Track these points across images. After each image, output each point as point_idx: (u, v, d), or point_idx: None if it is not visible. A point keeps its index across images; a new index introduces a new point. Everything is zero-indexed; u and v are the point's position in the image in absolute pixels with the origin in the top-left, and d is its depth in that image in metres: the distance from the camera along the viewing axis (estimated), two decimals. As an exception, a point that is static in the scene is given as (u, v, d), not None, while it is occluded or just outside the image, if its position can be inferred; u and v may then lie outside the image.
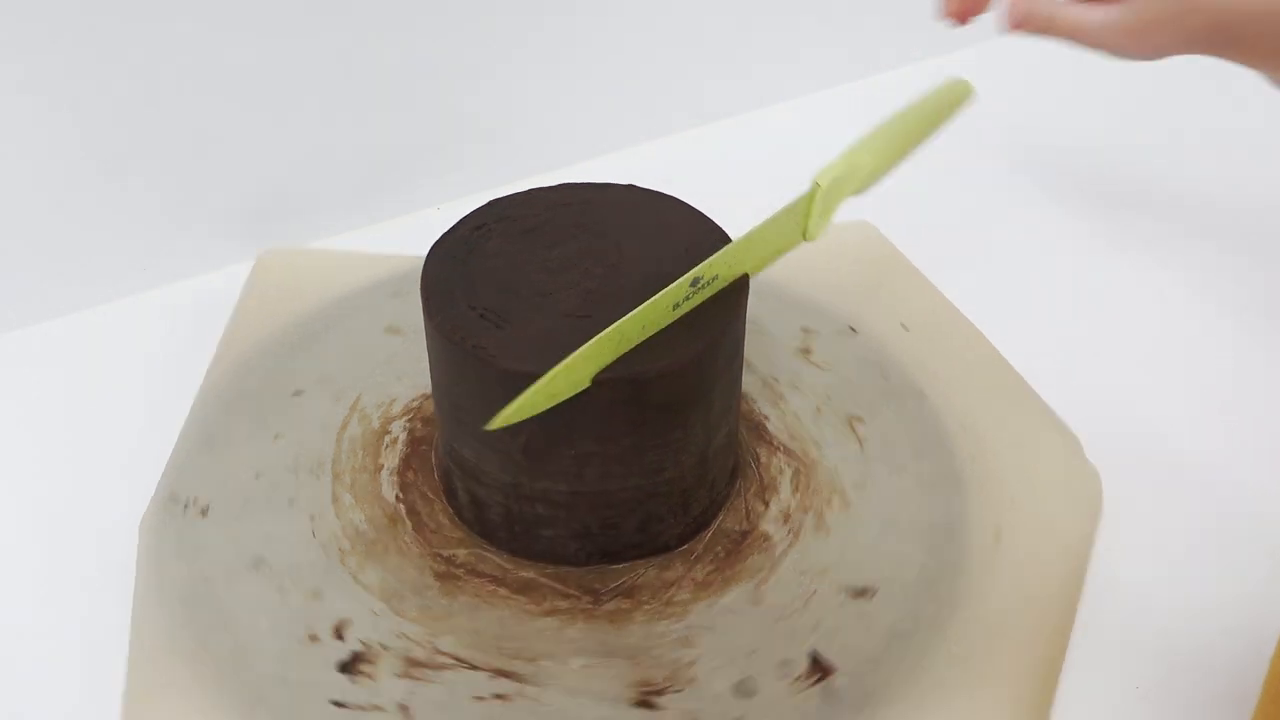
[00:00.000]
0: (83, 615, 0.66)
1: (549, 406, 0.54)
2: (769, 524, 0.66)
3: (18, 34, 0.74)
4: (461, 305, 0.59)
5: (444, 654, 0.59)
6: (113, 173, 0.82)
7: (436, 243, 0.63)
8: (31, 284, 0.84)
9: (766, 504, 0.67)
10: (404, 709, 0.57)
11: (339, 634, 0.61)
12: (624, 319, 0.53)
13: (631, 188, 0.66)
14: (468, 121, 0.94)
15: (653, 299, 0.54)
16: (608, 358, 0.54)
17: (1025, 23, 0.66)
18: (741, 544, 0.65)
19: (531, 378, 0.53)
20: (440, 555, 0.64)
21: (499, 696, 0.58)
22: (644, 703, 0.58)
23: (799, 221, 0.55)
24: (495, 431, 0.54)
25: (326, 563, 0.64)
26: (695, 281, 0.55)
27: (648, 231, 0.63)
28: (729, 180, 0.96)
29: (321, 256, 0.86)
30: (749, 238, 0.56)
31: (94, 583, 0.68)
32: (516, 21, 0.91)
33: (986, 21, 0.70)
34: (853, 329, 0.78)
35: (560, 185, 0.66)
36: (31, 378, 0.81)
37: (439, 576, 0.63)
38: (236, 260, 0.89)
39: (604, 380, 0.54)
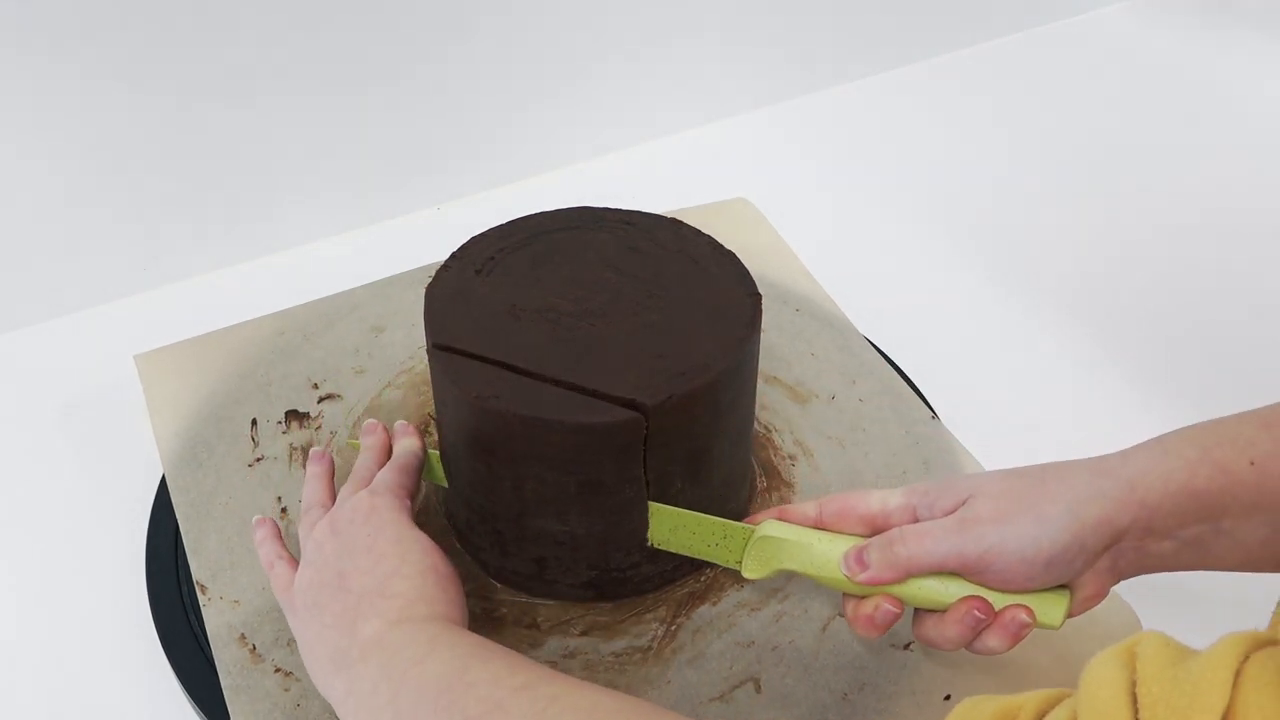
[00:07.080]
0: (82, 611, 0.67)
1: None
2: None
3: (18, 35, 0.74)
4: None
5: None
6: (113, 173, 0.82)
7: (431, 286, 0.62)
8: (31, 284, 0.84)
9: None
10: None
11: None
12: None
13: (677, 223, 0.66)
14: (467, 121, 0.94)
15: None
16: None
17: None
18: None
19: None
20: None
21: None
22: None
23: (738, 550, 0.58)
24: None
25: None
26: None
27: (681, 278, 0.63)
28: (729, 180, 0.97)
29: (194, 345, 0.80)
30: (697, 519, 0.59)
31: (94, 579, 0.68)
32: (516, 24, 0.91)
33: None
34: None
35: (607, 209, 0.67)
36: (31, 377, 0.81)
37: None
38: (237, 260, 0.89)
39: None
